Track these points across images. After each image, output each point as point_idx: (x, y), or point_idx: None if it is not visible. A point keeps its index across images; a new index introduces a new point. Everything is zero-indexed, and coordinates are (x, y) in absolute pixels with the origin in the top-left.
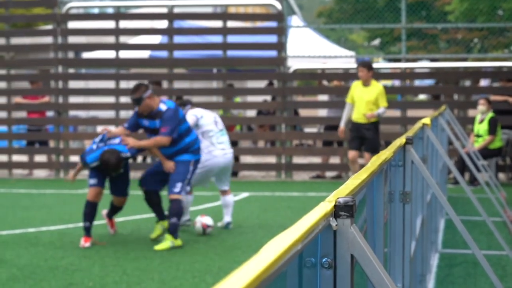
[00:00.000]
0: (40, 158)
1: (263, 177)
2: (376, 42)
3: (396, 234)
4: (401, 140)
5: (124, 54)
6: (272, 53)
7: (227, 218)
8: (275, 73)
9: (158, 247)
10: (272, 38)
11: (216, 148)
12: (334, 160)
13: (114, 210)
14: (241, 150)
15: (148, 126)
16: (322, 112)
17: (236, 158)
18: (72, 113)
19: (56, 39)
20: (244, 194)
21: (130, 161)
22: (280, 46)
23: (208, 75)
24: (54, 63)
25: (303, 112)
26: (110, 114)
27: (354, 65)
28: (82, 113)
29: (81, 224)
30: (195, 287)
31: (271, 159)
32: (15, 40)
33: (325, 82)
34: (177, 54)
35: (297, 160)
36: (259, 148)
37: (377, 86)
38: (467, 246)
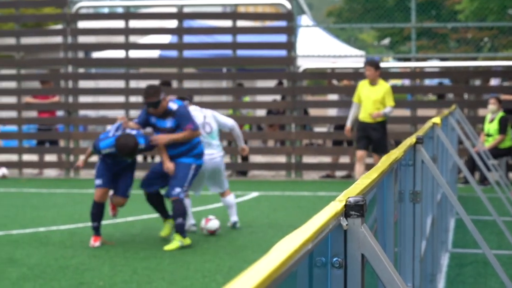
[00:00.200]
0: (50, 157)
1: (273, 177)
2: (386, 41)
3: (406, 234)
4: (411, 140)
5: (133, 53)
6: (282, 53)
7: (233, 218)
8: (284, 73)
9: (168, 247)
10: (282, 38)
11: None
12: (344, 159)
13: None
14: (251, 150)
15: (157, 125)
16: (332, 112)
17: (246, 158)
18: (82, 112)
19: (66, 39)
20: (254, 194)
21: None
22: (290, 46)
23: (217, 74)
24: (64, 62)
25: (313, 112)
26: (120, 113)
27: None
28: (92, 113)
29: (91, 224)
30: (206, 286)
31: (281, 159)
32: (25, 40)
33: (335, 82)
34: (187, 53)
35: (307, 159)
36: (269, 148)
37: (384, 85)
38: (478, 246)
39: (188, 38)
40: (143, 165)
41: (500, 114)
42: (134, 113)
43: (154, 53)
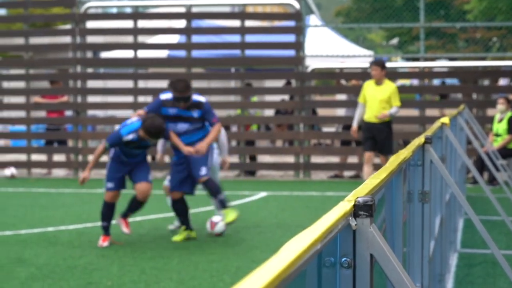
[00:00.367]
0: (58, 157)
1: (281, 177)
2: (395, 41)
3: (415, 234)
4: (420, 140)
5: (142, 53)
6: (290, 53)
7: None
8: (293, 73)
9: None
10: (290, 38)
11: None
12: (352, 159)
13: (133, 207)
14: (259, 150)
15: (183, 114)
16: (340, 112)
17: (254, 158)
18: (91, 112)
19: (75, 39)
20: (262, 194)
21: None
22: (298, 46)
23: (226, 74)
24: (72, 62)
25: (321, 112)
26: (128, 113)
27: None
28: (100, 113)
29: (99, 224)
30: (213, 286)
31: (289, 159)
32: (34, 40)
33: (343, 82)
34: (195, 53)
35: (315, 159)
36: (277, 148)
37: (390, 85)
38: (486, 246)
39: (196, 38)
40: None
41: (509, 114)
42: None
43: (163, 53)
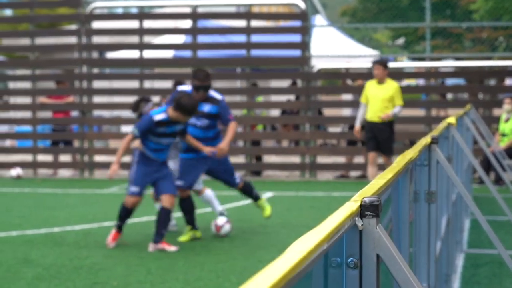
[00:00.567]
0: (64, 158)
1: (287, 177)
2: (401, 41)
3: (422, 234)
4: (426, 140)
5: (148, 54)
6: (296, 53)
7: (218, 208)
8: (299, 73)
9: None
10: (296, 38)
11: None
12: (358, 159)
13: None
14: (265, 150)
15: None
16: (346, 112)
17: (260, 158)
18: (96, 112)
19: (80, 39)
20: (268, 194)
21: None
22: (304, 46)
23: (231, 74)
24: (78, 63)
25: (327, 112)
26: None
27: None
28: (106, 113)
29: (105, 224)
30: (219, 287)
31: (295, 159)
32: (40, 40)
33: (349, 82)
34: (201, 53)
35: (321, 159)
36: (283, 148)
37: (392, 84)
38: (493, 246)
39: (202, 38)
40: None
41: None
42: None
43: (168, 53)
